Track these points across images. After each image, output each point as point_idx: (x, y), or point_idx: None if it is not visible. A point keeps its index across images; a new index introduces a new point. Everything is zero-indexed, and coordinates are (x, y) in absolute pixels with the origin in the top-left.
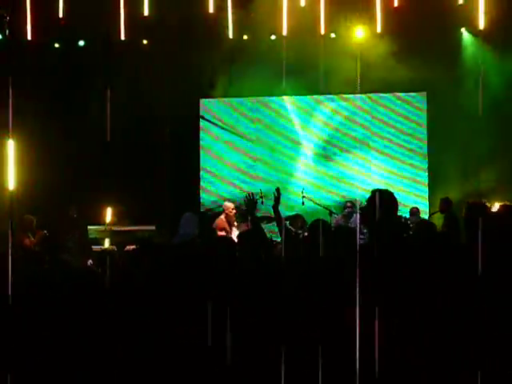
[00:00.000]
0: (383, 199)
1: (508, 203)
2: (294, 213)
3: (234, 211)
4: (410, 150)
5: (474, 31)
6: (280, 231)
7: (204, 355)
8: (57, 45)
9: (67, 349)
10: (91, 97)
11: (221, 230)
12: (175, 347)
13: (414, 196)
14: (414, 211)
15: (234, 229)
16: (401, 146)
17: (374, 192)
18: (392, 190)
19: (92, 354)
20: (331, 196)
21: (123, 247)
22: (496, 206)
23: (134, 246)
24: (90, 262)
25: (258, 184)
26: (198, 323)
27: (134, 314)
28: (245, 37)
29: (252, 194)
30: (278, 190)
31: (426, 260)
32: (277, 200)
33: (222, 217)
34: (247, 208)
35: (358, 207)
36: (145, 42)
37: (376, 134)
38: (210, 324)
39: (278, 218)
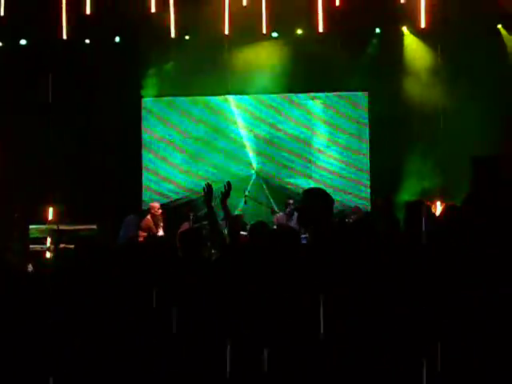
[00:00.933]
0: (316, 199)
1: (450, 203)
2: (235, 213)
3: (160, 211)
4: (352, 149)
5: (415, 30)
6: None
7: (150, 358)
8: None
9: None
10: (32, 96)
11: (145, 230)
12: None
13: (355, 196)
14: (354, 211)
15: (160, 229)
16: (343, 145)
17: (306, 192)
18: (334, 189)
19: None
20: (274, 195)
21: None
22: (438, 206)
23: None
24: (29, 266)
25: (201, 183)
26: (140, 324)
27: (75, 315)
28: (186, 37)
29: (209, 184)
30: (228, 183)
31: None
32: (226, 194)
33: (148, 217)
34: (205, 198)
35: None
36: (87, 41)
37: (318, 133)
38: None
39: (225, 212)
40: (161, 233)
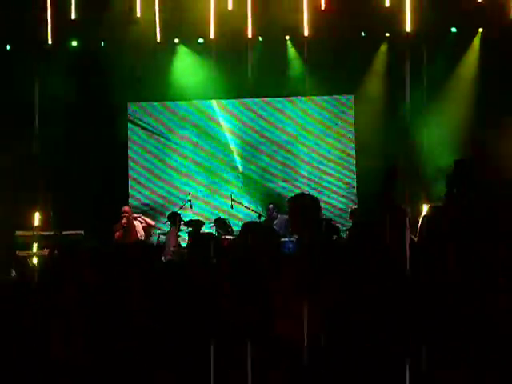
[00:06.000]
0: (305, 204)
1: (434, 204)
2: (222, 216)
3: (126, 214)
4: (338, 153)
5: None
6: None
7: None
8: None
9: None
10: (15, 101)
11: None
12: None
13: (342, 198)
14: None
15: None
16: (328, 149)
17: (294, 198)
18: (321, 193)
19: None
20: (259, 200)
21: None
22: (425, 208)
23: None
24: (13, 272)
25: (186, 188)
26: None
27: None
28: (176, 40)
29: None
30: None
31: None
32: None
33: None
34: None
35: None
36: (74, 43)
37: (303, 136)
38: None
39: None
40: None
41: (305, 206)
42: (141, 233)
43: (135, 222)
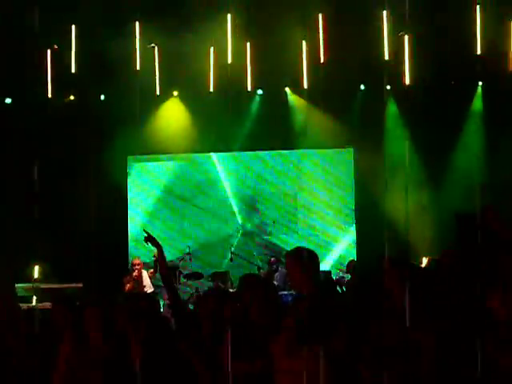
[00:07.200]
0: (302, 259)
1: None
2: (222, 270)
3: (139, 267)
4: (338, 205)
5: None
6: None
7: None
8: None
9: None
10: (16, 155)
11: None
12: None
13: (341, 250)
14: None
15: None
16: (329, 201)
17: (291, 252)
18: (319, 246)
19: None
20: (260, 252)
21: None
22: (424, 261)
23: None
24: None
25: (187, 242)
26: None
27: None
28: (175, 93)
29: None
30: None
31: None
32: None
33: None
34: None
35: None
36: (72, 97)
37: (303, 189)
38: None
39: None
40: (149, 290)
41: (302, 260)
42: (149, 285)
43: (143, 274)
